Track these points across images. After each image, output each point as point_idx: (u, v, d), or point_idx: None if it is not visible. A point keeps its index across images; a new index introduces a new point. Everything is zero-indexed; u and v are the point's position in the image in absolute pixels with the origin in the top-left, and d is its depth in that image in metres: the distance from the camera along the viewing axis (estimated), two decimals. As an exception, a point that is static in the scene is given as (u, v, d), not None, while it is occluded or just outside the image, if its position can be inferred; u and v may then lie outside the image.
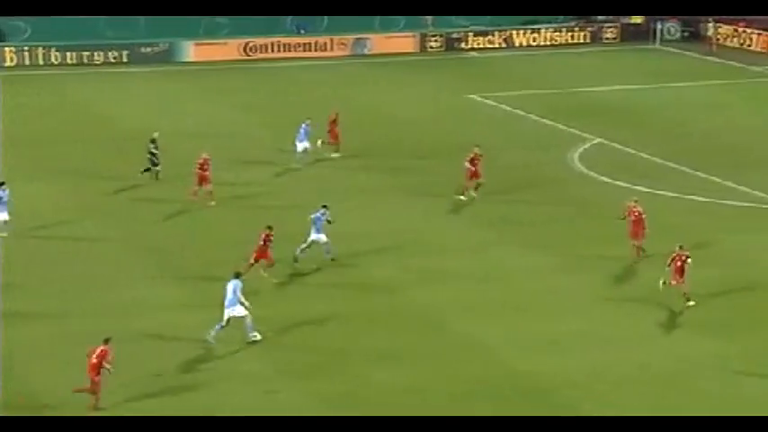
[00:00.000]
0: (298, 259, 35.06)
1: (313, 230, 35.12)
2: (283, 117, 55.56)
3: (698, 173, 45.20)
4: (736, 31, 74.16)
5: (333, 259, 35.21)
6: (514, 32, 75.53)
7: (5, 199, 37.54)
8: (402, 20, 75.12)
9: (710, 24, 73.32)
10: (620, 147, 49.69)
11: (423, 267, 35.31)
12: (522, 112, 56.11)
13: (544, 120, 54.50)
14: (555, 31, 76.31)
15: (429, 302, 32.93)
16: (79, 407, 26.14)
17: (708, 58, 71.14)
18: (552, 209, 41.13)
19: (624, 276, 34.86)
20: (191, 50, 71.09)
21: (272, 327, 30.80)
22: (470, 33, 74.96)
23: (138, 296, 33.38)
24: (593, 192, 43.42)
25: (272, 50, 71.92)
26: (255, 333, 30.01)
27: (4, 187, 37.59)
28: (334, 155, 47.06)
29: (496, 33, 75.28)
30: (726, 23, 74.56)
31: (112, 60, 69.41)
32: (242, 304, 29.74)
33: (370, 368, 28.88)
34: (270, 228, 33.85)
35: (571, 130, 52.46)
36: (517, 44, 75.32)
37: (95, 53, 69.15)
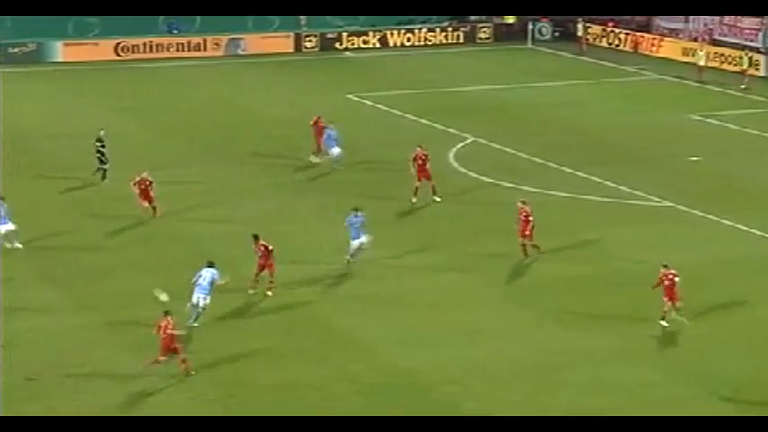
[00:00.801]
0: (349, 262, 34.98)
1: (352, 233, 34.69)
2: (159, 119, 55.15)
3: (578, 172, 45.86)
4: (605, 30, 75.71)
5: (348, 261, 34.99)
6: (389, 32, 76.00)
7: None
8: (276, 20, 75.04)
9: (580, 24, 74.70)
10: (495, 145, 50.34)
11: (309, 267, 35.28)
12: (399, 112, 56.48)
13: (421, 119, 54.92)
14: (429, 32, 76.98)
15: (312, 300, 32.96)
16: None
17: (579, 57, 72.49)
18: (432, 207, 41.47)
19: (504, 273, 35.27)
20: (60, 50, 70.01)
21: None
22: (345, 33, 75.23)
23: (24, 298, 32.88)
24: (471, 190, 43.91)
25: (145, 51, 71.28)
26: (196, 324, 30.51)
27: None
28: (316, 159, 46.16)
29: (371, 33, 75.68)
30: (595, 24, 76.09)
31: (-22, 61, 68.02)
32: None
33: (250, 367, 28.82)
34: (256, 236, 33.26)
35: (447, 129, 52.98)
36: (392, 44, 75.81)
37: (-39, 53, 67.74)
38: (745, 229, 39.06)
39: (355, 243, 34.91)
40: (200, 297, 30.58)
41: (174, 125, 53.79)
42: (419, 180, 41.55)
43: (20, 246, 36.36)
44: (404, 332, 31.00)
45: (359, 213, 35.06)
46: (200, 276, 30.77)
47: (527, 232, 35.83)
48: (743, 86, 62.36)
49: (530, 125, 54.52)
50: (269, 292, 33.10)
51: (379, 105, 58.25)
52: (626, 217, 40.82)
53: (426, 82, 64.64)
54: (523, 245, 35.93)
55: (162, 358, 27.97)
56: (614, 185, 44.06)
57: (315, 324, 31.52)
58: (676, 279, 31.02)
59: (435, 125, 53.81)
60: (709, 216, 40.44)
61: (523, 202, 36.53)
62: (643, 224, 40.04)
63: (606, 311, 32.31)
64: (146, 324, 29.82)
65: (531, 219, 35.83)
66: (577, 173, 45.84)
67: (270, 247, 33.17)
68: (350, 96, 60.38)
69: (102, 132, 44.32)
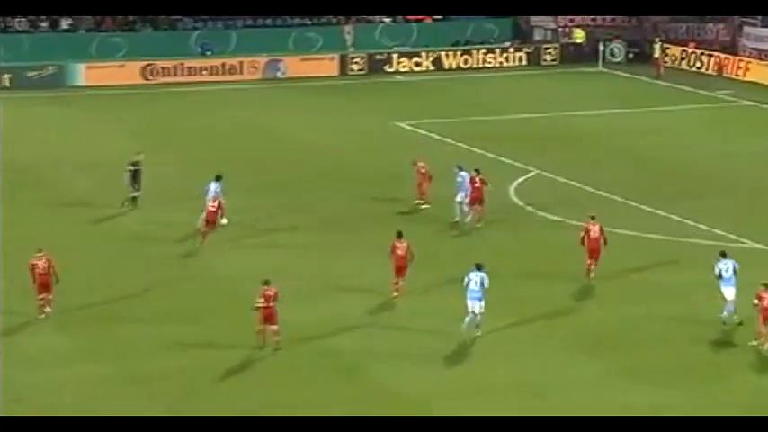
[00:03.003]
0: None
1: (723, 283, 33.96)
2: (191, 148, 55.24)
3: (648, 207, 45.54)
4: (684, 52, 75.28)
5: None
6: (444, 54, 75.94)
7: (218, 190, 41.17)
8: (320, 40, 75.37)
9: (657, 45, 74.29)
10: (560, 179, 49.89)
11: (341, 307, 35.25)
12: (453, 141, 56.20)
13: (478, 149, 54.52)
14: (488, 53, 76.84)
15: (351, 351, 32.68)
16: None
17: (656, 81, 72.07)
18: (488, 246, 41.03)
19: (562, 320, 34.92)
20: (82, 74, 70.53)
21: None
22: (396, 55, 75.30)
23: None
24: (531, 228, 43.53)
25: (176, 74, 71.63)
26: (478, 331, 32.93)
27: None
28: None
29: (424, 55, 75.67)
30: (674, 44, 75.72)
31: (-7, 85, 68.72)
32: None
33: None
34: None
35: (508, 161, 52.62)
36: (447, 67, 75.74)
37: (-26, 77, 68.46)
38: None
39: (729, 294, 33.85)
40: (474, 304, 32.64)
41: (204, 155, 53.81)
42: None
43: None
44: (458, 386, 30.67)
45: (727, 260, 34.08)
46: (470, 281, 32.83)
47: (595, 252, 37.14)
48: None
49: (599, 156, 54.12)
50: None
51: (431, 134, 58.10)
52: (701, 258, 40.08)
53: (485, 108, 64.43)
54: (589, 266, 37.00)
55: (260, 328, 31.32)
56: (693, 223, 43.53)
57: (352, 377, 31.28)
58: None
59: (495, 156, 53.38)
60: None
61: (592, 217, 37.69)
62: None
63: (680, 364, 31.90)
64: (165, 375, 29.62)
65: (591, 235, 37.11)
66: (646, 208, 45.34)
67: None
68: (399, 123, 60.29)
69: (140, 156, 44.67)
